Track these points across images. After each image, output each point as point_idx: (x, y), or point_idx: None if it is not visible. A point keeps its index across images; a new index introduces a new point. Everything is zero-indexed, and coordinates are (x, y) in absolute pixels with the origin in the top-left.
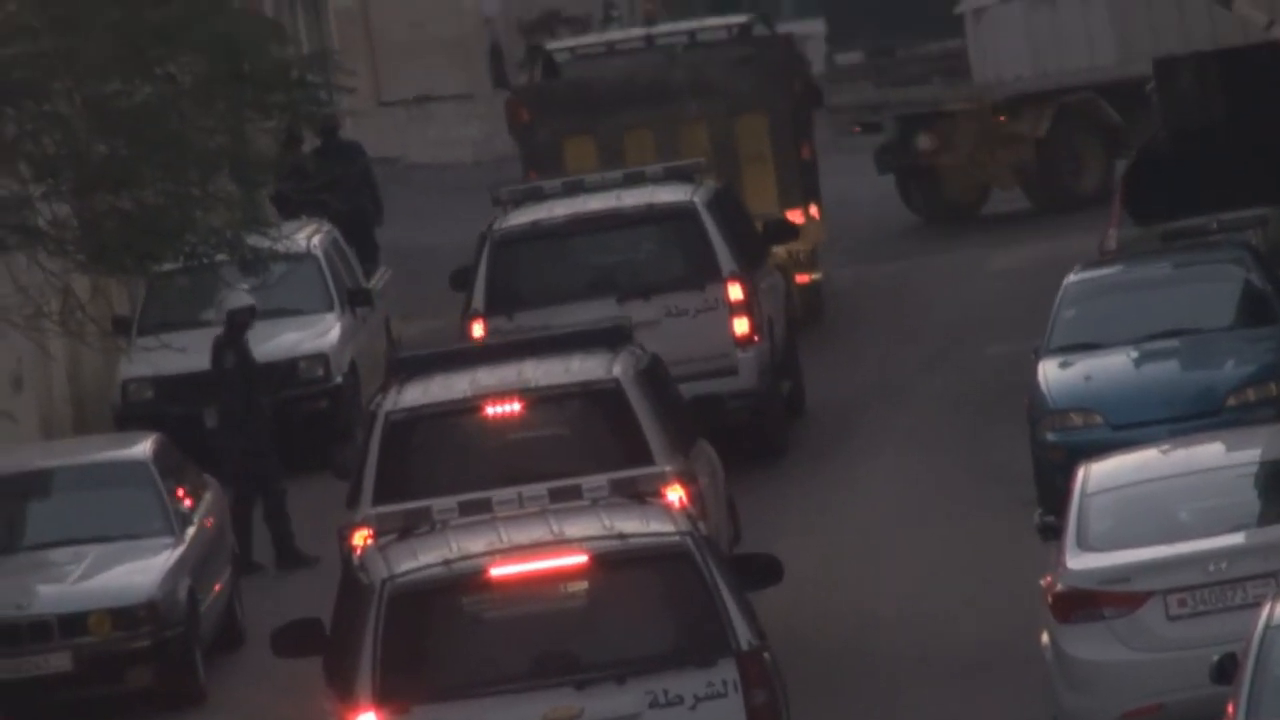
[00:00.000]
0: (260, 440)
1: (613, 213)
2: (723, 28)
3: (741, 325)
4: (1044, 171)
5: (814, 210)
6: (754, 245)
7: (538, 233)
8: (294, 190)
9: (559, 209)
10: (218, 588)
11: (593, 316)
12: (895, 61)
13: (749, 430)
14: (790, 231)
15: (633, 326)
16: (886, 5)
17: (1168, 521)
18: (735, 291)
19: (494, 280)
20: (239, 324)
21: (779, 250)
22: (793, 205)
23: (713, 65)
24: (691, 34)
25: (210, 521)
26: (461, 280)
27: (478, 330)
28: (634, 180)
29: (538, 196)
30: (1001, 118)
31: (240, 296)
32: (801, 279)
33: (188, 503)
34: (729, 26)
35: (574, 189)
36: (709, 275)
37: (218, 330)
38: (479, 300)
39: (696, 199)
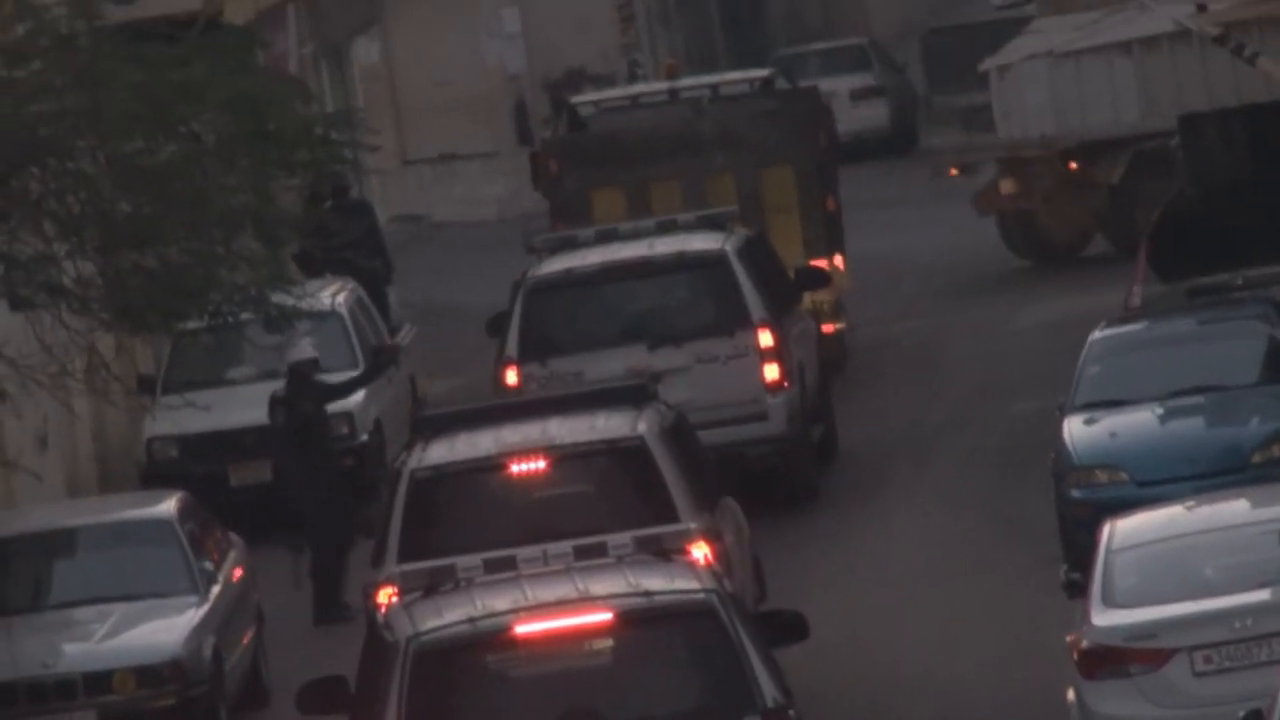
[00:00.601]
0: (317, 493)
1: (644, 261)
2: (744, 81)
3: (772, 371)
4: (1118, 217)
5: (839, 261)
6: (785, 292)
7: (571, 280)
8: (317, 248)
9: (592, 257)
10: (244, 644)
11: (625, 363)
12: (934, 113)
13: (778, 475)
14: (821, 278)
15: (658, 379)
16: (974, 55)
17: (1193, 578)
18: (765, 338)
19: (527, 327)
20: (300, 376)
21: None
22: (818, 256)
23: (739, 118)
24: (714, 88)
25: (235, 579)
26: (497, 327)
27: (511, 377)
28: (666, 228)
29: (572, 245)
30: (1073, 164)
31: (302, 348)
32: (826, 329)
33: (212, 561)
34: (750, 80)
35: (607, 237)
36: (739, 322)
37: (243, 388)
38: (512, 347)
39: (728, 247)
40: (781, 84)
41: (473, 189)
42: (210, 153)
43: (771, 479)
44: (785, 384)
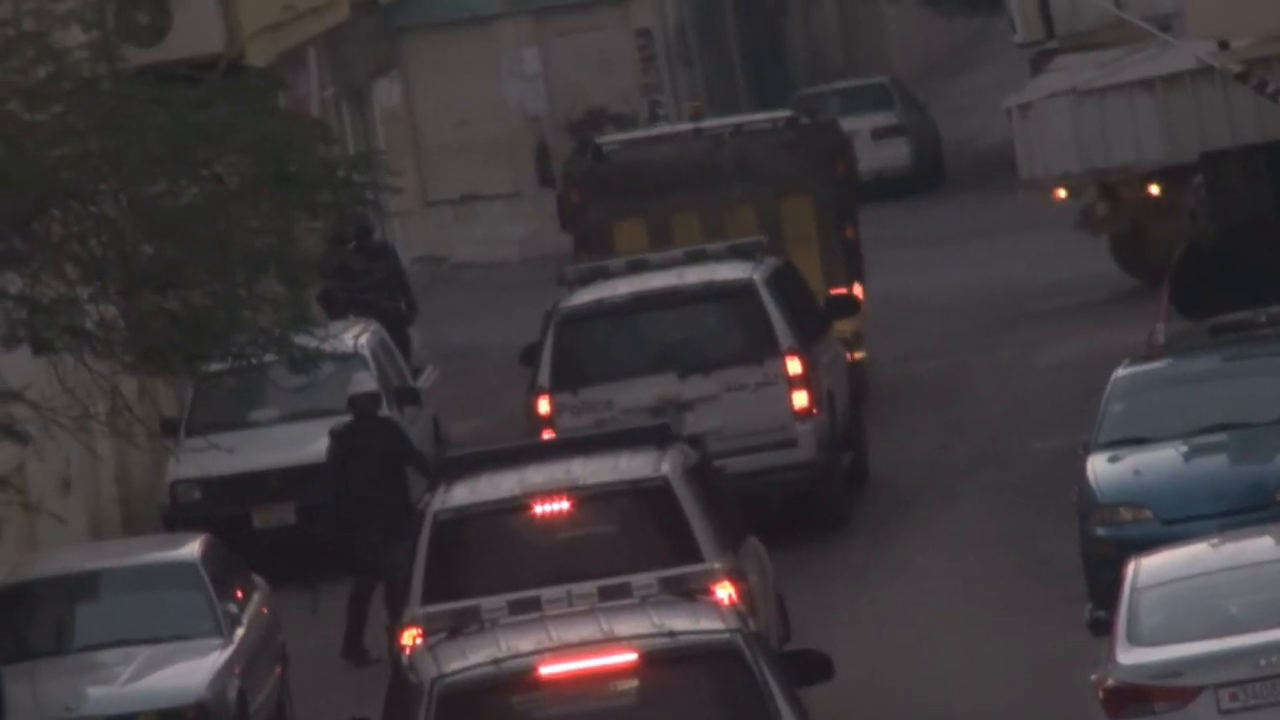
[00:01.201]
0: (357, 528)
1: (674, 290)
2: (767, 120)
3: (800, 399)
4: None
5: (858, 290)
6: (814, 320)
7: (601, 310)
8: (340, 290)
9: (622, 287)
10: (268, 686)
11: (655, 392)
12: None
13: (806, 503)
14: (852, 306)
15: (689, 407)
16: None
17: (1219, 616)
18: (794, 366)
19: (559, 357)
20: (362, 410)
21: None
22: (837, 285)
23: (759, 149)
24: (737, 127)
25: (260, 621)
26: (530, 357)
27: (544, 406)
28: (696, 258)
29: (602, 275)
30: (1155, 188)
31: (362, 381)
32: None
33: (237, 603)
34: (774, 120)
35: (637, 267)
36: (768, 350)
37: (267, 429)
38: (544, 377)
39: (756, 276)
40: (804, 122)
41: (494, 230)
42: (233, 195)
43: (798, 508)
44: (814, 411)
